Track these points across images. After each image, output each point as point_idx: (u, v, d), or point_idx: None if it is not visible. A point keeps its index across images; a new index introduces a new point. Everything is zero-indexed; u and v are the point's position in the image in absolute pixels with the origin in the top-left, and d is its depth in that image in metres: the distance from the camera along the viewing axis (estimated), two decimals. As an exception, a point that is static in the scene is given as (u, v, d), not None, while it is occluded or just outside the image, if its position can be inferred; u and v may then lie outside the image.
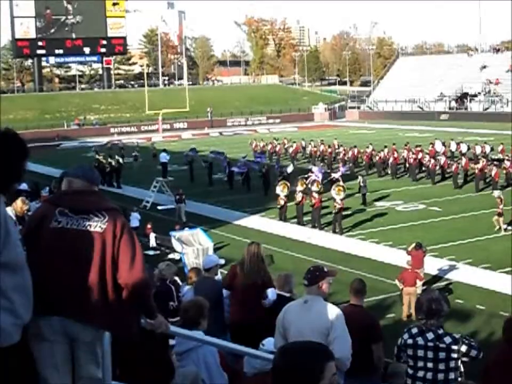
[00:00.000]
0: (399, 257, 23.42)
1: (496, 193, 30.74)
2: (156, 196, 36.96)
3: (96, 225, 4.45)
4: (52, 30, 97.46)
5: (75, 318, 4.30)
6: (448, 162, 42.55)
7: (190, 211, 33.56)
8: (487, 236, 27.60)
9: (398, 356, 7.03)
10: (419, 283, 19.86)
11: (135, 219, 29.79)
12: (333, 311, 6.46)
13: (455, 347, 6.62)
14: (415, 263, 20.48)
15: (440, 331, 6.74)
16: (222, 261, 11.36)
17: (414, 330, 6.86)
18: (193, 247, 24.12)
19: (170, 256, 25.22)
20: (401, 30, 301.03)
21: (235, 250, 26.12)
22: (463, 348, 6.66)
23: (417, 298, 7.28)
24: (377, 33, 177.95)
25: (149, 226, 28.65)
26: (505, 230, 28.20)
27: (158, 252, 27.10)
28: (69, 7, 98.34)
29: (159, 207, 35.94)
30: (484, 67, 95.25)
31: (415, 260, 20.73)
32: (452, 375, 6.66)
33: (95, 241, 4.40)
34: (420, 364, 6.74)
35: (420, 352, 6.73)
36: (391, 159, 44.61)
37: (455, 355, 6.62)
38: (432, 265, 22.86)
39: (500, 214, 28.48)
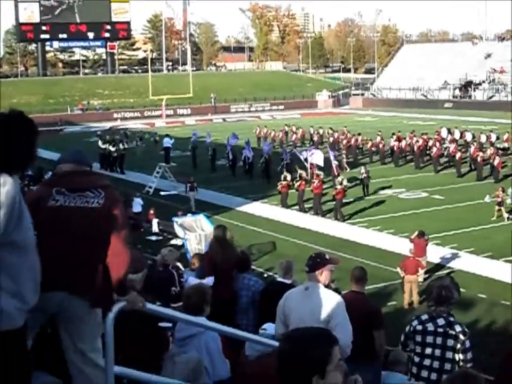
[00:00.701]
0: (401, 245, 23.48)
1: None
2: (158, 181, 36.98)
3: (94, 201, 4.51)
4: (57, 12, 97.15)
5: (76, 293, 4.33)
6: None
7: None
8: (489, 225, 27.63)
9: (405, 344, 7.02)
10: (421, 271, 19.90)
11: (137, 204, 29.80)
12: (334, 298, 6.48)
13: (462, 337, 6.63)
14: (417, 251, 20.51)
15: (451, 318, 6.76)
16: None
17: (424, 317, 6.86)
18: (196, 233, 24.13)
19: (173, 242, 25.24)
20: (406, 17, 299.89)
21: (237, 236, 26.16)
22: (468, 343, 6.66)
23: (428, 284, 7.32)
24: (382, 20, 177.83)
25: (151, 211, 28.70)
26: (508, 218, 28.21)
27: (160, 238, 27.15)
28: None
29: (162, 193, 35.99)
30: (489, 55, 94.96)
31: (418, 248, 20.76)
32: (457, 368, 6.64)
33: (93, 216, 4.47)
34: (428, 350, 6.73)
35: (429, 339, 6.73)
36: (395, 147, 44.50)
37: (459, 346, 6.63)
38: (434, 253, 22.88)
39: (500, 204, 28.50)
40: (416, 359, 6.84)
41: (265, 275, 20.68)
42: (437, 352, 6.67)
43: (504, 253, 23.34)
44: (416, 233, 21.47)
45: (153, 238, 26.95)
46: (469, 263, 22.82)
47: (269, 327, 6.82)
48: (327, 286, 6.66)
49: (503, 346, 15.97)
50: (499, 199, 28.51)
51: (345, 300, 6.62)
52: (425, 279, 20.46)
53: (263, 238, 26.74)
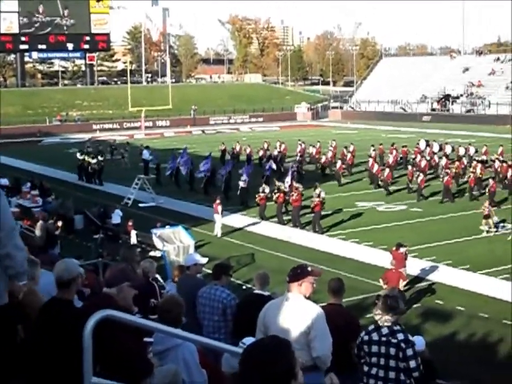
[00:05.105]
0: (379, 257, 23.51)
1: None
2: (137, 193, 36.82)
3: None
4: (36, 22, 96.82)
5: None
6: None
7: (172, 209, 33.56)
8: (466, 238, 27.71)
9: (358, 355, 7.07)
10: (402, 283, 19.89)
11: (116, 216, 29.71)
12: (314, 310, 6.47)
13: (403, 345, 6.67)
14: (396, 263, 20.53)
15: (396, 327, 6.81)
16: (205, 260, 11.28)
17: (371, 327, 6.97)
18: (174, 245, 24.06)
19: (152, 253, 25.15)
20: (385, 31, 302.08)
21: (216, 248, 26.16)
22: (409, 352, 6.68)
23: (377, 295, 7.33)
24: (361, 33, 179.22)
25: (130, 223, 28.57)
26: (488, 232, 28.30)
27: (139, 249, 26.91)
28: (65, 12, 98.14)
29: (140, 205, 35.82)
30: (466, 69, 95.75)
31: (396, 260, 20.78)
32: (402, 376, 6.70)
33: None
34: (374, 359, 6.80)
35: (374, 348, 6.82)
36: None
37: (401, 354, 6.66)
38: (413, 265, 22.89)
39: (486, 217, 28.63)
40: (365, 368, 6.92)
41: (244, 287, 20.65)
42: (382, 361, 6.76)
43: (481, 266, 23.45)
44: (395, 245, 21.51)
45: (132, 249, 26.75)
46: (447, 275, 22.88)
47: (248, 342, 6.77)
48: (308, 298, 6.65)
49: (480, 358, 16.10)
50: (485, 212, 28.62)
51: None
52: (405, 291, 20.47)
53: (242, 250, 26.71)
